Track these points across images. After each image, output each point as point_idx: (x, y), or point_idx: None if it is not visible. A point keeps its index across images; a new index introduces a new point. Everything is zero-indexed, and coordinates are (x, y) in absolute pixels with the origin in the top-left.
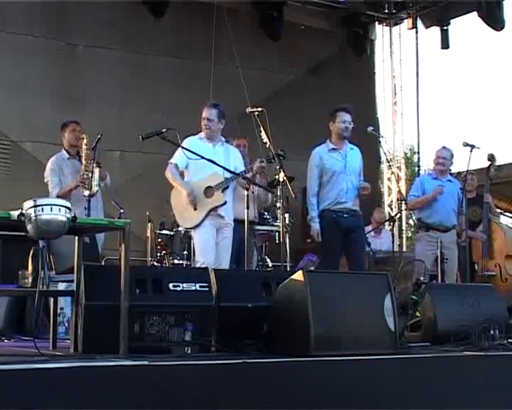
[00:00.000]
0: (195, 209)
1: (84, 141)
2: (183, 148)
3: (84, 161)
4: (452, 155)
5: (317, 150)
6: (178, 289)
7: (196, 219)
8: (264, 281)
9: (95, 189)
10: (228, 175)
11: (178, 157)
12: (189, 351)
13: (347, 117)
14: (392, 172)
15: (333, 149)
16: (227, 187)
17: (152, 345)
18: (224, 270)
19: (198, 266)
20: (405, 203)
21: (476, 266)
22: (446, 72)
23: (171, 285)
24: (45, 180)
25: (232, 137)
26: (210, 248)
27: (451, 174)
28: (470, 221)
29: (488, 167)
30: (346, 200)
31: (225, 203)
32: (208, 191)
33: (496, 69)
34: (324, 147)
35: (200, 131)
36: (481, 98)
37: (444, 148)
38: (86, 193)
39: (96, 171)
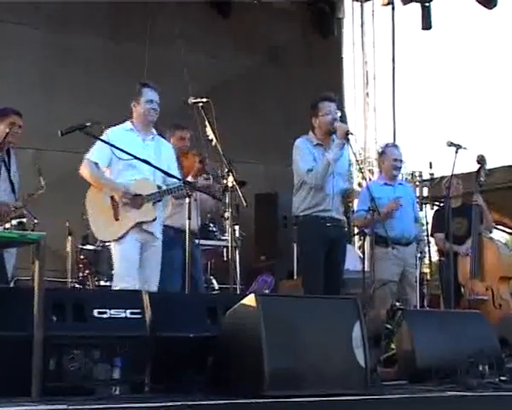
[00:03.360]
0: (117, 220)
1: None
2: (112, 146)
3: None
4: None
5: (302, 141)
6: (105, 316)
7: (117, 232)
8: (209, 306)
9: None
10: (160, 182)
11: (99, 153)
12: (118, 392)
13: (332, 107)
14: (364, 177)
15: (318, 144)
16: (159, 200)
17: (72, 385)
18: (159, 293)
19: None
20: (378, 214)
21: (463, 288)
22: (428, 57)
23: (95, 312)
24: None
25: (171, 128)
26: (133, 269)
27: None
28: (455, 236)
29: (478, 171)
30: (330, 207)
31: (155, 220)
32: (136, 200)
33: (486, 55)
34: (306, 141)
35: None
36: (469, 89)
37: (394, 146)
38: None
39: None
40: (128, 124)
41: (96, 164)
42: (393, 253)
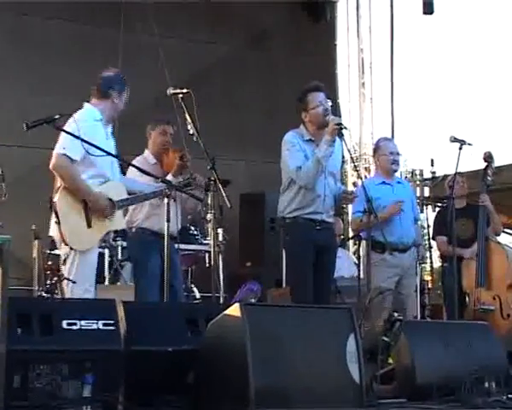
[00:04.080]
0: (90, 226)
1: None
2: (88, 143)
3: None
4: None
5: (292, 135)
6: (75, 328)
7: (91, 241)
8: (190, 317)
9: None
10: (117, 179)
11: (75, 148)
12: None
13: (321, 97)
14: (359, 176)
15: (310, 140)
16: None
17: (38, 404)
18: (135, 303)
19: None
20: (375, 216)
21: (468, 297)
22: (429, 44)
23: (64, 323)
24: None
25: (152, 121)
26: (93, 277)
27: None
28: (459, 239)
29: (485, 169)
30: (321, 210)
31: None
32: (110, 207)
33: (493, 43)
34: (297, 135)
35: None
36: (474, 80)
37: (388, 140)
38: None
39: None
40: (96, 112)
41: (72, 160)
42: (390, 259)
